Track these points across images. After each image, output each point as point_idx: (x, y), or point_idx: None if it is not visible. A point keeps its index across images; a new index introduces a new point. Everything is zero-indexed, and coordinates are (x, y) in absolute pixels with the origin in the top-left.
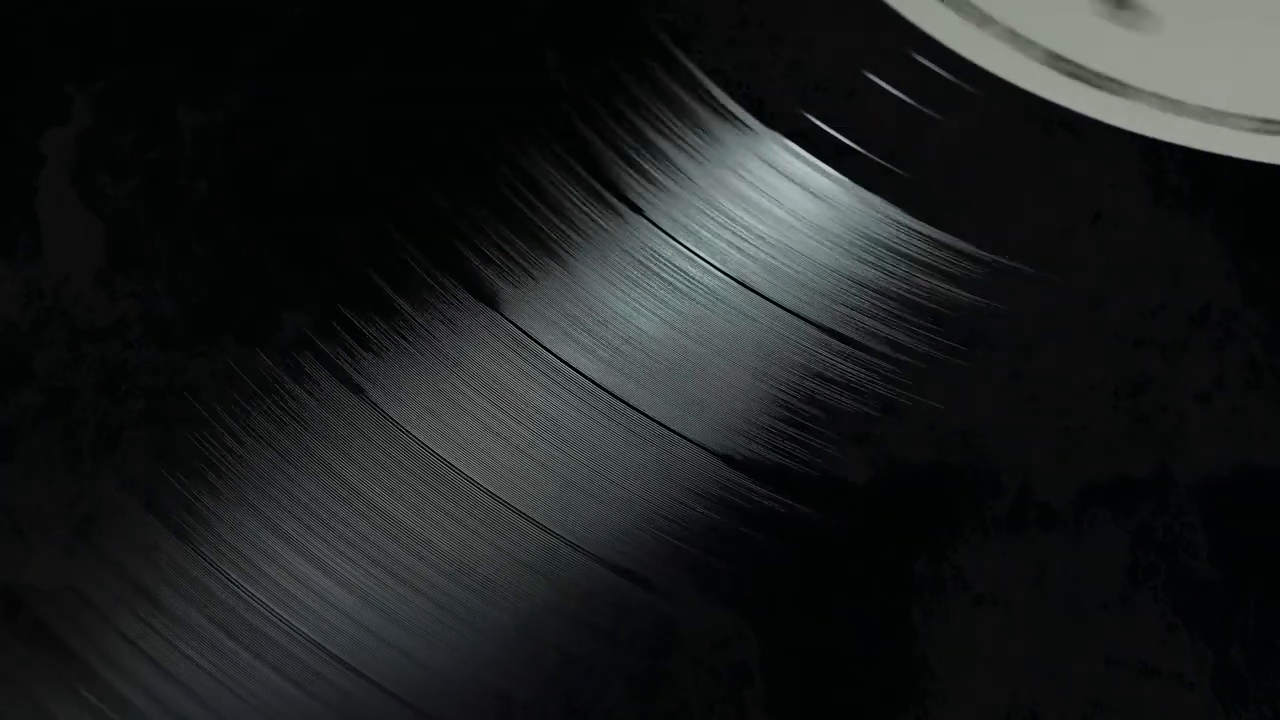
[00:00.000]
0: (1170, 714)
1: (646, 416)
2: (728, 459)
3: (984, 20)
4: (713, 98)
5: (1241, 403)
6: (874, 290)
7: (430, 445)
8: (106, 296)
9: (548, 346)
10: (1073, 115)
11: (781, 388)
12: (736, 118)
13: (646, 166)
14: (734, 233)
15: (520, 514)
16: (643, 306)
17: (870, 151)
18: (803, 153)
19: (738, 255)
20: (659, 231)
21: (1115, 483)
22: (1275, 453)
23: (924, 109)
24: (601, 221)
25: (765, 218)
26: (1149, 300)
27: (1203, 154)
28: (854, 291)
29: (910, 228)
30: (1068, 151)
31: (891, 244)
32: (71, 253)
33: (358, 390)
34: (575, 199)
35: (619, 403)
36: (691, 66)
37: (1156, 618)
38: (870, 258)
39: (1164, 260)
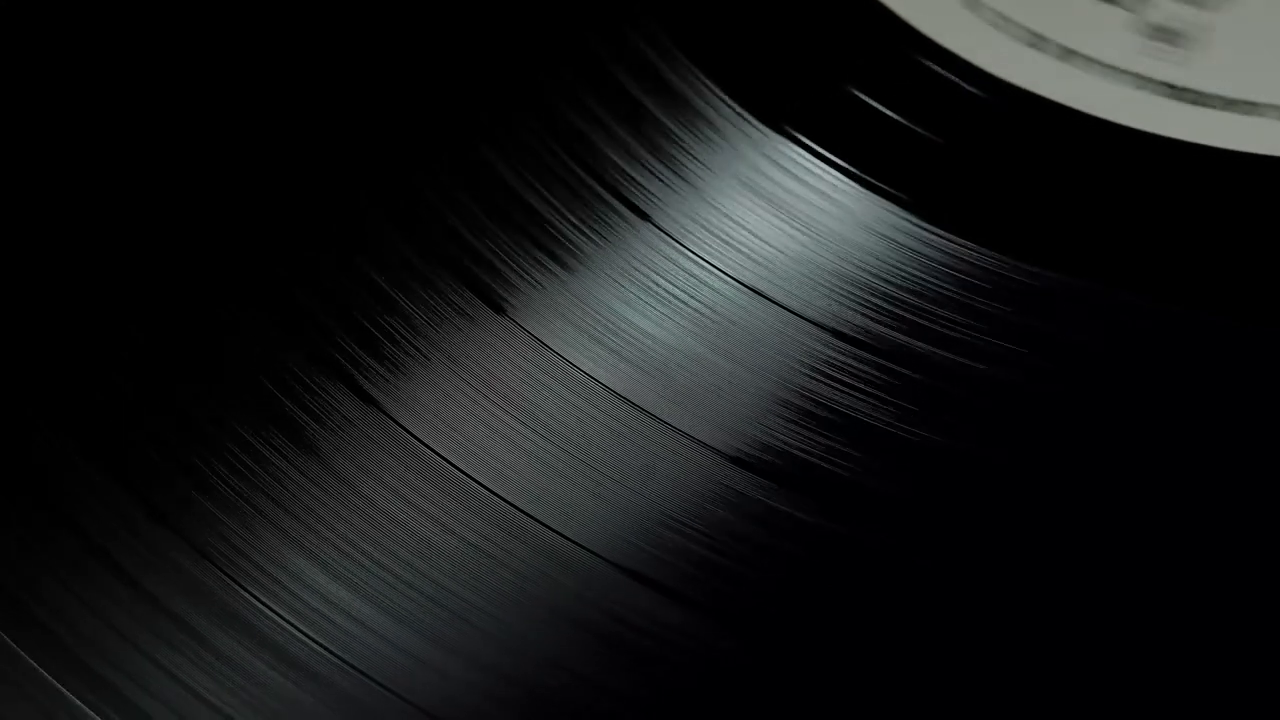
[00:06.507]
0: None
1: (653, 418)
2: (735, 460)
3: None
4: (715, 99)
5: None
6: (881, 292)
7: (439, 450)
8: None
9: (558, 351)
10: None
11: (787, 389)
12: (739, 119)
13: (651, 170)
14: (739, 236)
15: (530, 517)
16: (650, 310)
17: (875, 152)
18: (809, 155)
19: (744, 257)
20: (664, 235)
21: None
22: None
23: (925, 111)
24: (607, 226)
25: (770, 220)
26: None
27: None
28: (859, 293)
29: (914, 228)
30: (1074, 152)
31: (898, 245)
32: None
33: (367, 399)
34: (581, 205)
35: (625, 405)
36: (693, 67)
37: None
38: (878, 259)
39: None
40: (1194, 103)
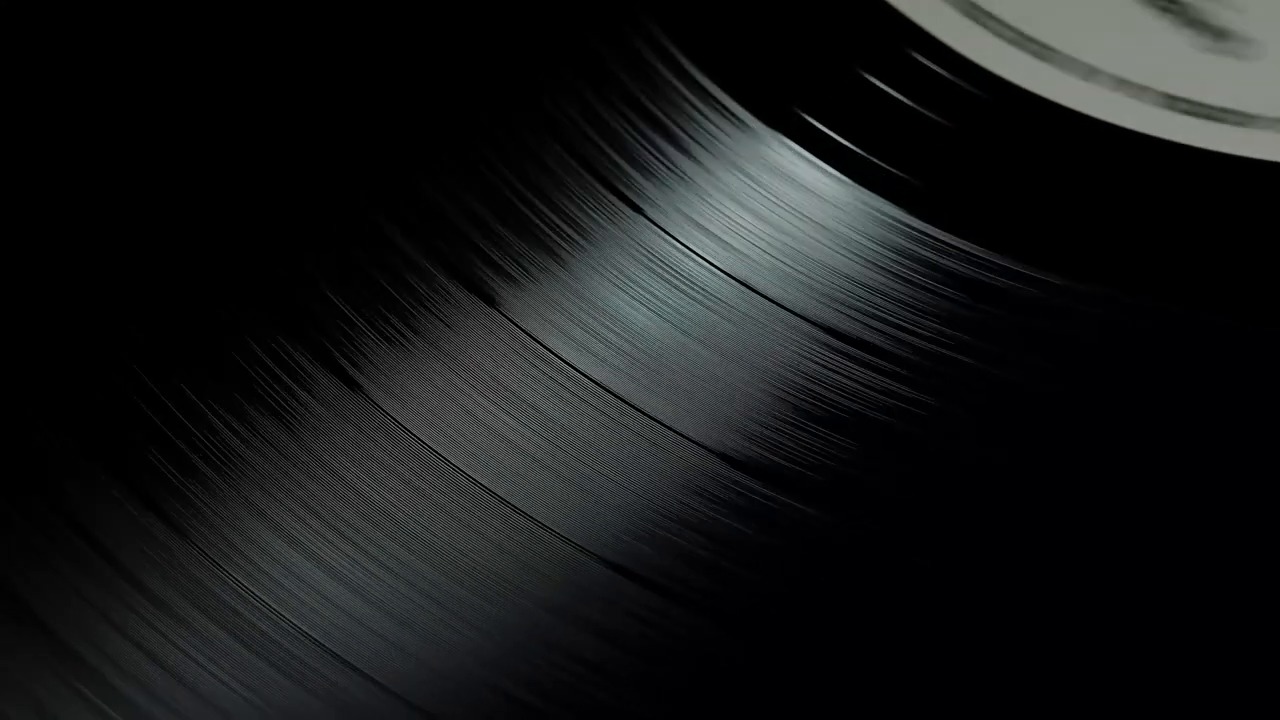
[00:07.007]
0: None
1: (645, 414)
2: (726, 457)
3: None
4: (713, 97)
5: None
6: (875, 289)
7: (429, 442)
8: None
9: (546, 345)
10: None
11: (781, 386)
12: (737, 117)
13: (646, 166)
14: (734, 232)
15: (520, 512)
16: (642, 305)
17: (871, 150)
18: (804, 152)
19: (738, 254)
20: (659, 230)
21: None
22: None
23: (926, 108)
24: (601, 221)
25: (766, 217)
26: None
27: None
28: (855, 290)
29: (912, 226)
30: (1075, 154)
31: (894, 242)
32: None
33: (355, 387)
34: (575, 198)
35: (618, 400)
36: (691, 65)
37: None
38: (871, 256)
39: None
40: (1194, 114)
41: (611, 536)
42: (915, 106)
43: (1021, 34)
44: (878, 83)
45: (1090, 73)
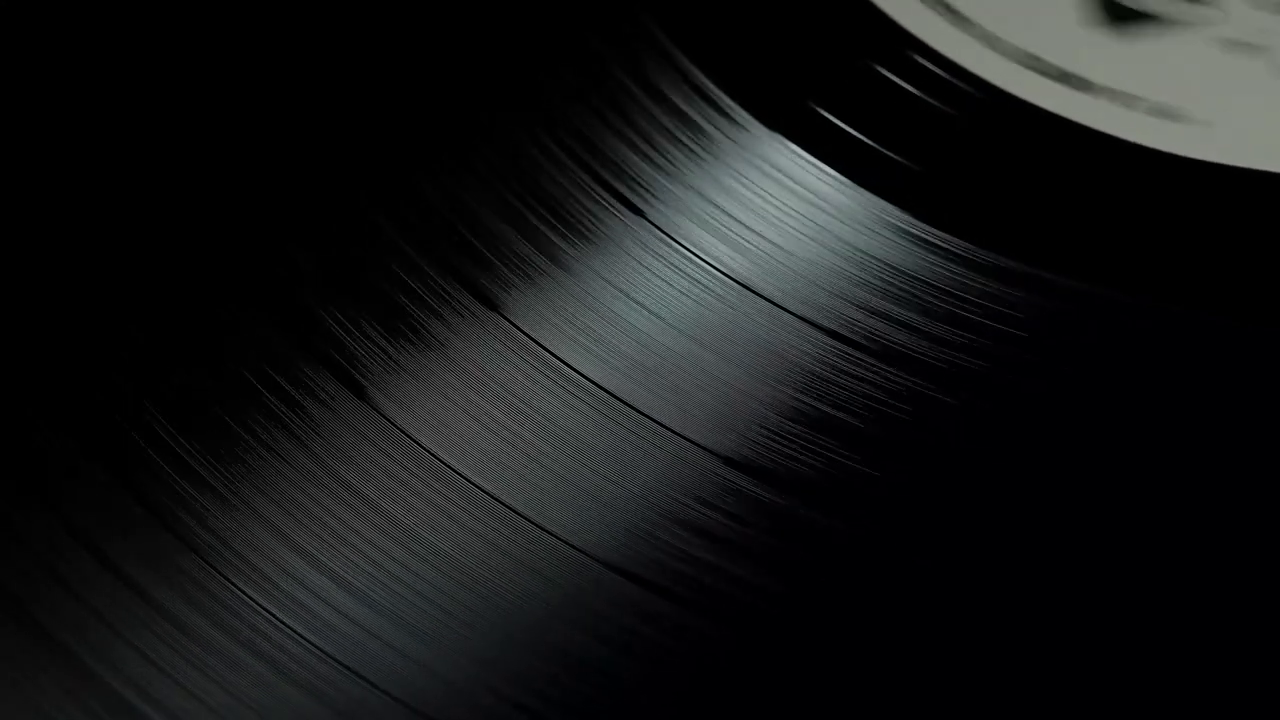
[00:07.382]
0: None
1: (647, 417)
2: (728, 460)
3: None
4: (713, 98)
5: None
6: (875, 290)
7: (429, 447)
8: None
9: (548, 348)
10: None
11: (782, 388)
12: (737, 118)
13: (647, 168)
14: (735, 234)
15: (519, 514)
16: (643, 308)
17: (871, 151)
18: (804, 153)
19: (738, 256)
20: (659, 233)
21: None
22: None
23: (924, 110)
24: (602, 223)
25: (766, 218)
26: None
27: None
28: (855, 292)
29: (912, 227)
30: (1075, 156)
31: (893, 244)
32: None
33: (359, 393)
34: (574, 200)
35: (619, 403)
36: (691, 66)
37: None
38: (871, 257)
39: None
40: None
41: (614, 539)
42: (921, 95)
43: (1030, 54)
44: (886, 73)
45: (1103, 93)
